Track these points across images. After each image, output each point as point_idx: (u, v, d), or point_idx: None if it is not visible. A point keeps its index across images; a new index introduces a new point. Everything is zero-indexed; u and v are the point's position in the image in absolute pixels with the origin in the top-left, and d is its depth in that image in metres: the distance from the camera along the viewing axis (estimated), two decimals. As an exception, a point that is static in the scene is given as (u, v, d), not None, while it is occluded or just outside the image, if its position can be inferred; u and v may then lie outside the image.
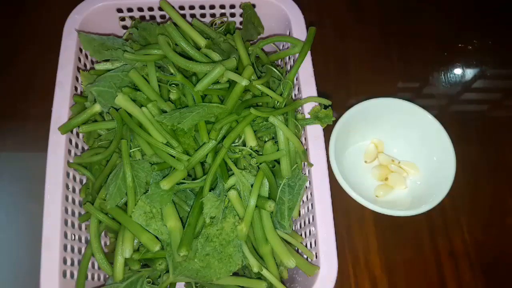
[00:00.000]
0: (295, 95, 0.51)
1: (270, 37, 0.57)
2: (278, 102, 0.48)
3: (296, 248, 0.46)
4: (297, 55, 0.50)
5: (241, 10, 0.56)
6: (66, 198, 0.45)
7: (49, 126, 0.46)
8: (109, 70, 0.49)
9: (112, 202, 0.43)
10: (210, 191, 0.43)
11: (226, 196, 0.43)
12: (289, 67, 0.54)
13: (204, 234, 0.42)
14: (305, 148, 0.47)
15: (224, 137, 0.45)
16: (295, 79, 0.50)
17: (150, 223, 0.42)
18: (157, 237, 0.43)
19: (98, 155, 0.46)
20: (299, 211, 0.48)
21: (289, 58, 0.54)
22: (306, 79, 0.49)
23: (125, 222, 0.43)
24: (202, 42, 0.50)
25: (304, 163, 0.47)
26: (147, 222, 0.42)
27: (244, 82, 0.45)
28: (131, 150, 0.45)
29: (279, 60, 0.58)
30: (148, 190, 0.44)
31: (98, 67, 0.49)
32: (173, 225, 0.42)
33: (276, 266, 0.44)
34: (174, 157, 0.44)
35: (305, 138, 0.47)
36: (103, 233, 0.48)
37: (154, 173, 0.44)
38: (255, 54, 0.53)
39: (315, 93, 0.48)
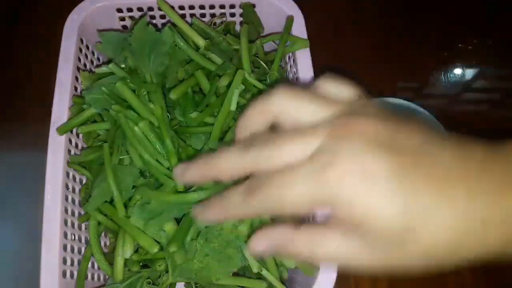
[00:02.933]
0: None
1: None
2: None
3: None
4: (297, 53, 0.50)
5: (241, 10, 0.56)
6: (66, 198, 0.45)
7: (49, 126, 0.46)
8: (109, 74, 0.49)
9: (93, 205, 0.43)
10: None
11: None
12: (289, 67, 0.54)
13: (203, 235, 0.42)
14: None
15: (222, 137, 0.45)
16: (293, 72, 0.50)
17: (148, 227, 0.42)
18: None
19: (92, 155, 0.46)
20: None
21: (289, 57, 0.54)
22: (303, 65, 0.49)
23: (124, 224, 0.43)
24: (201, 42, 0.50)
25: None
26: (145, 227, 0.42)
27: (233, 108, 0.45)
28: (121, 156, 0.45)
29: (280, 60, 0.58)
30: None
31: (98, 70, 0.49)
32: (171, 228, 0.42)
33: (276, 266, 0.44)
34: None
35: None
36: (103, 233, 0.48)
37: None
38: (255, 52, 0.53)
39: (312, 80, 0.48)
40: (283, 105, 0.25)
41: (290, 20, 0.52)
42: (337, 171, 0.21)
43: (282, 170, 0.23)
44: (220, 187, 0.43)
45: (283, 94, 0.25)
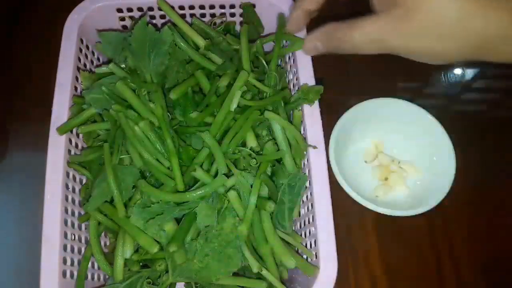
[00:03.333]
0: (293, 84, 0.52)
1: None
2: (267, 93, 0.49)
3: (296, 248, 0.46)
4: (296, 53, 0.50)
5: (241, 10, 0.56)
6: (66, 198, 0.45)
7: (49, 126, 0.46)
8: (109, 74, 0.49)
9: (93, 205, 0.43)
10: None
11: (224, 197, 0.43)
12: (289, 67, 0.54)
13: (203, 235, 0.42)
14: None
15: (223, 136, 0.45)
16: (293, 72, 0.51)
17: (148, 227, 0.42)
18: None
19: (92, 154, 0.46)
20: (299, 211, 0.48)
21: (289, 57, 0.54)
22: (304, 65, 0.49)
23: (124, 224, 0.43)
24: (201, 42, 0.50)
25: (303, 163, 0.47)
26: (145, 226, 0.42)
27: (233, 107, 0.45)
28: (121, 156, 0.45)
29: (279, 60, 0.58)
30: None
31: (98, 70, 0.49)
32: (171, 228, 0.42)
33: (276, 266, 0.44)
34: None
35: (304, 138, 0.47)
36: (103, 233, 0.48)
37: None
38: (255, 53, 0.53)
39: (312, 79, 0.49)
40: None
41: (281, 17, 0.52)
42: None
43: None
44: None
45: None
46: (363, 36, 0.37)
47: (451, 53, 0.33)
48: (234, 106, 0.45)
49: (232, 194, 0.42)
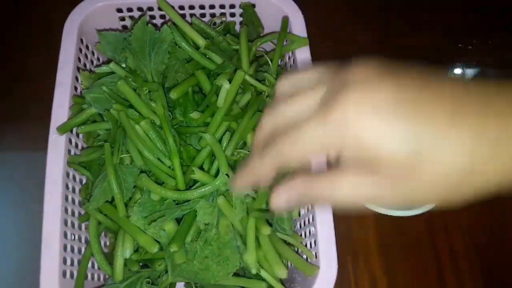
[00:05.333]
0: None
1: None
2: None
3: (296, 249, 0.46)
4: (296, 52, 0.50)
5: (241, 10, 0.56)
6: (66, 198, 0.45)
7: (49, 126, 0.46)
8: (109, 73, 0.49)
9: (94, 204, 0.43)
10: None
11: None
12: (289, 66, 0.54)
13: (202, 237, 0.42)
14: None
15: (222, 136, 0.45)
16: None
17: (149, 227, 0.42)
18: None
19: (93, 154, 0.46)
20: (299, 211, 0.48)
21: (289, 57, 0.54)
22: (304, 65, 0.49)
23: (123, 224, 0.43)
24: (201, 42, 0.50)
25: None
26: (145, 226, 0.42)
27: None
28: (122, 156, 0.45)
29: (279, 60, 0.58)
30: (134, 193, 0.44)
31: (98, 70, 0.49)
32: (171, 228, 0.42)
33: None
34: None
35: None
36: (103, 233, 0.48)
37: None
38: (254, 53, 0.53)
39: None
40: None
41: (285, 21, 0.52)
42: (341, 106, 0.22)
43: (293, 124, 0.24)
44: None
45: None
46: (346, 198, 0.27)
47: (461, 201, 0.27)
48: (221, 102, 0.45)
49: (220, 199, 0.42)
